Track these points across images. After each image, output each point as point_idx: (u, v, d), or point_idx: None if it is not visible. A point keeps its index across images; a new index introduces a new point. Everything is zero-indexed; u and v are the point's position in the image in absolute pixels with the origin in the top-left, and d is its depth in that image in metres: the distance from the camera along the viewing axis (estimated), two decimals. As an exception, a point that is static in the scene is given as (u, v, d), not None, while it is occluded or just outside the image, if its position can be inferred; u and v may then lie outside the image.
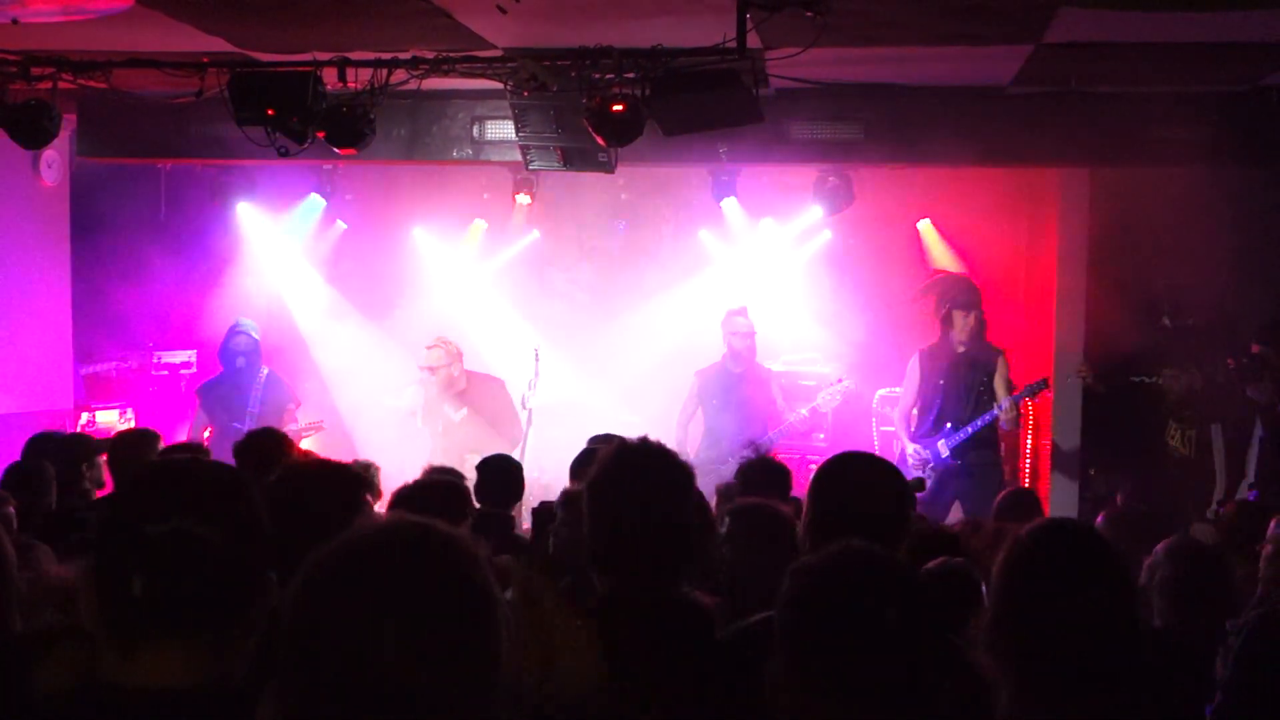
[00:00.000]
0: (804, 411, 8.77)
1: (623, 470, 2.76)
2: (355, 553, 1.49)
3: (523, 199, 9.74)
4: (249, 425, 8.73)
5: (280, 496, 3.15)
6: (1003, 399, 8.07)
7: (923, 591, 2.06)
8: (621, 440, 2.86)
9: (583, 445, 5.93)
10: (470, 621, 1.46)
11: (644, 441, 2.84)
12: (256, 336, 9.04)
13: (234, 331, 9.04)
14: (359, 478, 3.46)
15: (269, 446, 5.03)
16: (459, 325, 10.11)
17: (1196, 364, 8.84)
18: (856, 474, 3.03)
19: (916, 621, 1.98)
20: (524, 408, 8.73)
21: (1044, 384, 8.25)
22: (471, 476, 5.93)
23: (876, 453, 9.22)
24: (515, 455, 7.11)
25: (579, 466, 5.44)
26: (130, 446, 5.74)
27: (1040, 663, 2.18)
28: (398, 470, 5.95)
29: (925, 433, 8.19)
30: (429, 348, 8.91)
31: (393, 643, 1.41)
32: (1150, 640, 4.36)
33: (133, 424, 9.32)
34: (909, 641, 1.96)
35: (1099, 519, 5.87)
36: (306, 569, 1.49)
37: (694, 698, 2.53)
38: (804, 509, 3.01)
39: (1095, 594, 2.20)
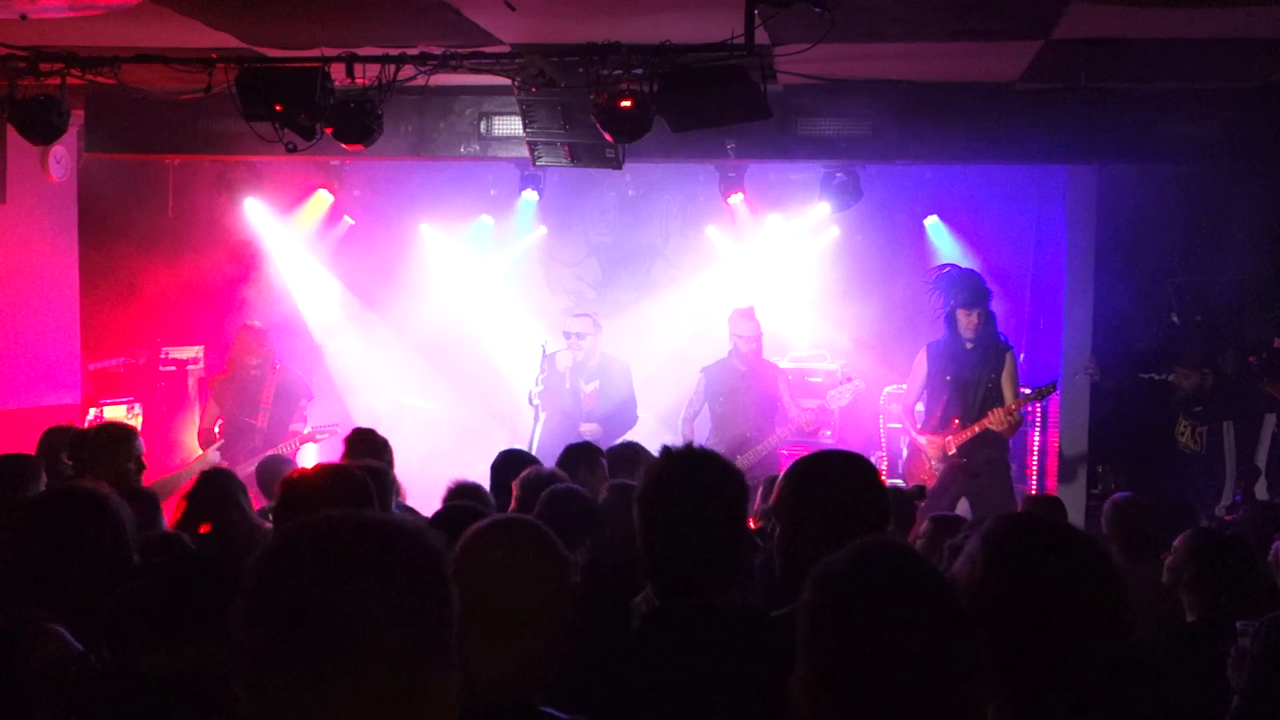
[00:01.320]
0: (812, 405, 8.76)
1: (673, 478, 2.68)
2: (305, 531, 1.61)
3: (530, 195, 9.74)
4: (262, 420, 8.74)
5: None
6: (1010, 401, 8.01)
7: (951, 590, 1.96)
8: (666, 448, 2.78)
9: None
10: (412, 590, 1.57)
11: (690, 448, 2.77)
12: (267, 350, 8.99)
13: (244, 341, 8.99)
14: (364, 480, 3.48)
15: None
16: (466, 321, 10.12)
17: (1208, 361, 8.82)
18: (828, 473, 2.90)
19: (948, 623, 1.90)
20: (530, 404, 8.73)
21: (1052, 387, 8.23)
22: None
23: (882, 450, 9.26)
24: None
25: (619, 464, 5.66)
26: (105, 438, 5.66)
27: (1020, 671, 2.12)
28: (416, 468, 5.98)
29: (933, 429, 8.18)
30: (577, 315, 8.87)
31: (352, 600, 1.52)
32: (1184, 636, 4.35)
33: (140, 420, 9.34)
34: (940, 645, 1.88)
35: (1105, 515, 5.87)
36: (273, 542, 1.61)
37: (749, 705, 2.47)
38: (774, 506, 2.94)
39: (1074, 597, 2.11)
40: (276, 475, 6.88)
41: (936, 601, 1.91)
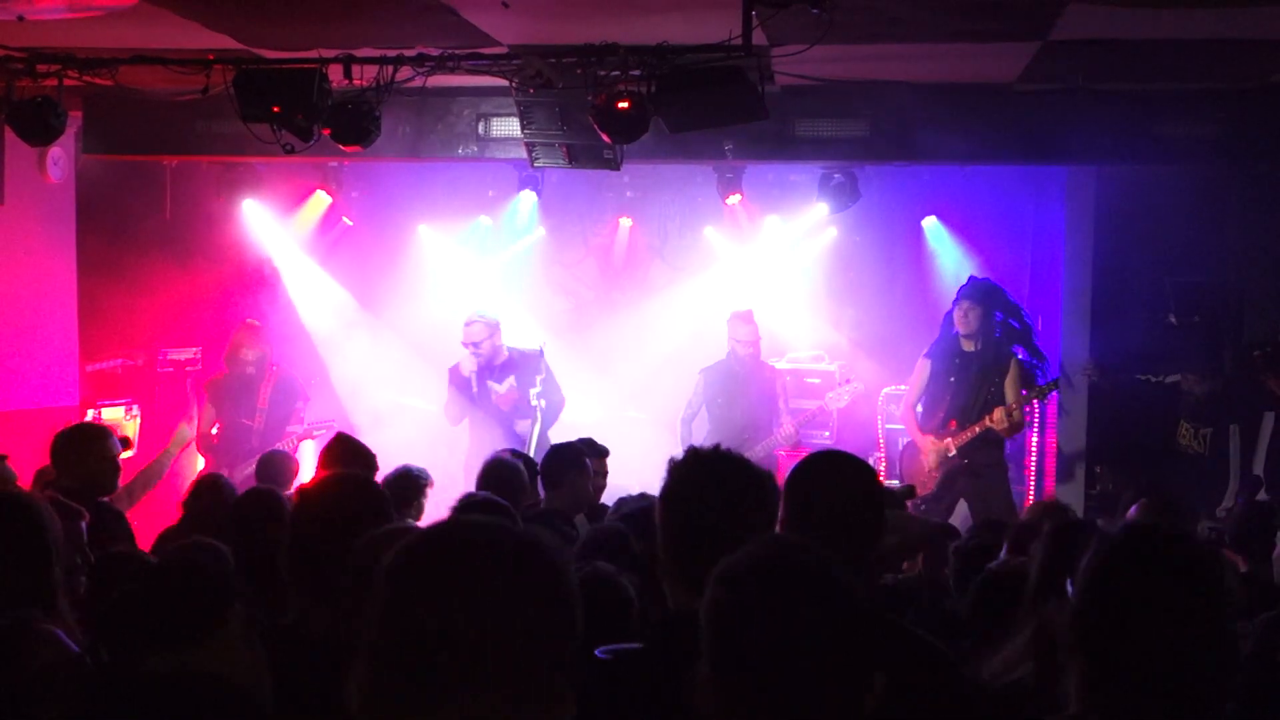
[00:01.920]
0: (812, 407, 8.77)
1: (697, 480, 2.64)
2: (440, 542, 1.64)
3: (528, 196, 9.74)
4: (259, 422, 8.74)
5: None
6: (1010, 403, 8.02)
7: (848, 584, 1.96)
8: (692, 448, 2.74)
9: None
10: (538, 607, 1.59)
11: (716, 449, 2.72)
12: (264, 348, 8.99)
13: (241, 339, 8.99)
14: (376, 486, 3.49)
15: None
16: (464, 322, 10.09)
17: (1218, 372, 8.80)
18: (826, 474, 2.91)
19: (838, 618, 1.91)
20: (530, 404, 8.72)
21: (1054, 385, 8.23)
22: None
23: (880, 451, 9.26)
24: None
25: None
26: (76, 439, 5.61)
27: (1114, 666, 2.14)
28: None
29: (933, 430, 8.19)
30: (468, 324, 8.83)
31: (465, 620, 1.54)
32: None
33: (138, 421, 9.33)
34: (829, 640, 1.89)
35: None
36: (397, 556, 1.63)
37: None
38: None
39: (1180, 605, 2.12)
40: (278, 470, 6.90)
41: (828, 598, 1.92)
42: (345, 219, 10.37)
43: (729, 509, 2.59)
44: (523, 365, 8.73)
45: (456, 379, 8.76)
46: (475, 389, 8.70)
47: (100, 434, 5.59)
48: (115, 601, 2.71)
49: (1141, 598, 2.14)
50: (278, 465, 6.98)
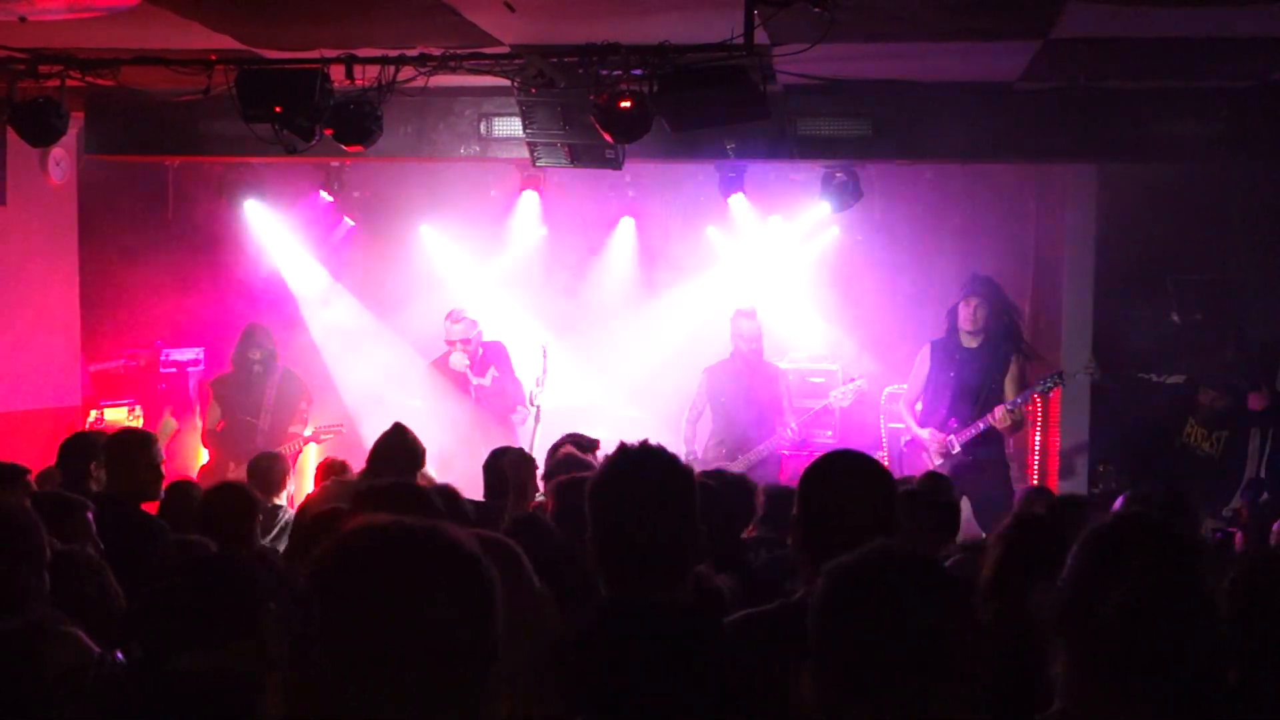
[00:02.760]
0: (816, 406, 8.78)
1: (621, 474, 2.71)
2: (366, 549, 1.58)
3: (530, 196, 9.74)
4: (264, 421, 8.75)
5: None
6: (1010, 400, 8.02)
7: (959, 592, 2.03)
8: (622, 444, 2.80)
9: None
10: (467, 613, 1.56)
11: (644, 445, 2.78)
12: (271, 347, 9.01)
13: (249, 338, 9.00)
14: None
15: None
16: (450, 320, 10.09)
17: (1234, 383, 8.77)
18: (843, 472, 2.96)
19: (952, 624, 1.95)
20: (531, 405, 8.73)
21: (1058, 379, 8.20)
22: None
23: (883, 449, 9.26)
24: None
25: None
26: (125, 445, 5.64)
27: (1101, 652, 2.17)
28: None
29: (935, 426, 8.18)
30: (455, 321, 8.87)
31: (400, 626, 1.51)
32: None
33: (140, 421, 9.33)
34: (944, 645, 1.94)
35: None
36: (322, 561, 1.59)
37: (696, 702, 2.50)
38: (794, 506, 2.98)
39: (1165, 594, 2.16)
40: (269, 471, 6.89)
41: (939, 592, 1.97)
42: (347, 219, 10.38)
43: (649, 504, 2.64)
44: (496, 355, 8.84)
45: (447, 372, 8.83)
46: (473, 386, 8.76)
47: (147, 440, 5.63)
48: (146, 599, 2.72)
49: (1127, 587, 2.17)
50: (268, 467, 6.96)
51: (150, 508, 5.56)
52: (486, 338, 9.10)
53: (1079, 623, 2.20)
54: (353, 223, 10.44)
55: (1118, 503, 5.64)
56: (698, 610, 2.74)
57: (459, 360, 8.78)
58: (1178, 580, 2.18)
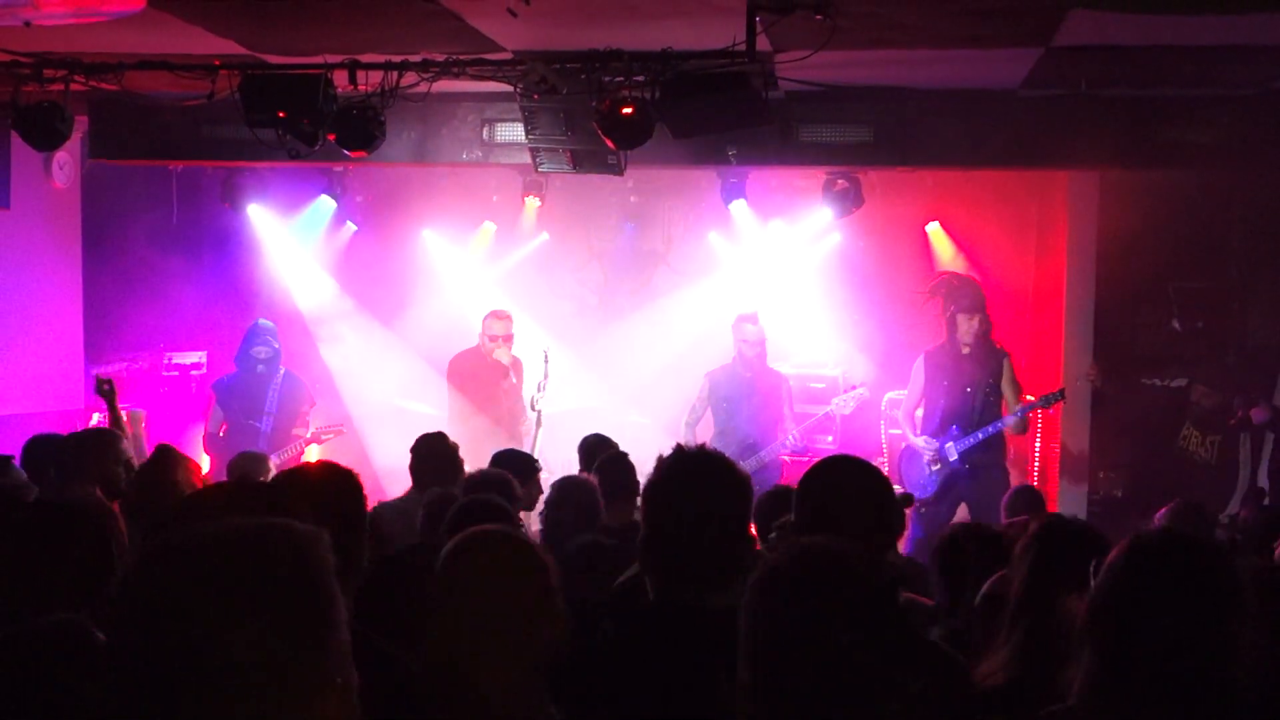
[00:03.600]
0: (819, 413, 8.79)
1: (675, 477, 2.74)
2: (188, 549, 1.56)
3: (532, 201, 9.76)
4: (266, 424, 8.75)
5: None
6: (1012, 404, 8.07)
7: (890, 586, 2.02)
8: (678, 446, 2.84)
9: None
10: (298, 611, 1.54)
11: (701, 448, 2.82)
12: (276, 345, 9.02)
13: (254, 336, 9.01)
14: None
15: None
16: (468, 326, 10.11)
17: (1227, 380, 8.78)
18: (840, 479, 3.00)
19: (881, 619, 1.96)
20: (533, 409, 8.74)
21: (1060, 395, 8.24)
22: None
23: (884, 456, 9.27)
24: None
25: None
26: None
27: (1126, 662, 2.17)
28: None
29: (931, 434, 8.20)
30: (501, 318, 8.89)
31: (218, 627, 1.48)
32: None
33: (143, 425, 9.35)
34: (873, 640, 1.94)
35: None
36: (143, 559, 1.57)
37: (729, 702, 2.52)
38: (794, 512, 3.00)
39: (1193, 609, 2.17)
40: (248, 473, 6.87)
41: (865, 597, 1.97)
42: (350, 224, 10.40)
43: (701, 507, 2.67)
44: (515, 366, 8.87)
45: (483, 370, 8.84)
46: (505, 385, 8.80)
47: (113, 438, 5.61)
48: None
49: (1159, 601, 2.17)
50: (248, 469, 6.93)
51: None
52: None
53: (1104, 629, 2.21)
54: (356, 227, 10.46)
55: (1160, 514, 5.68)
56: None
57: (504, 355, 8.81)
58: (1220, 606, 2.19)
